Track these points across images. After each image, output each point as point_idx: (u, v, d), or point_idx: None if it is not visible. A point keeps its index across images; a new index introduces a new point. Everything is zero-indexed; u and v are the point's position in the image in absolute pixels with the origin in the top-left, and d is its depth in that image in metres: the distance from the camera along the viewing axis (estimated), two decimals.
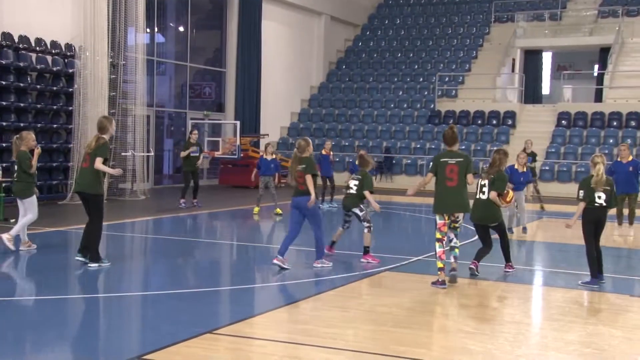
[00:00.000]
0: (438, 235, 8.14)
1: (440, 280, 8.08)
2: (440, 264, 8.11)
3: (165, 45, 23.54)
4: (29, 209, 9.66)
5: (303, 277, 8.54)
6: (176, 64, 23.50)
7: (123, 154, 17.44)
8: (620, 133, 23.26)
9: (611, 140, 23.15)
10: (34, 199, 9.69)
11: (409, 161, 24.26)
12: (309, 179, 8.73)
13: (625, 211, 13.27)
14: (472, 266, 8.76)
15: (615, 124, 23.72)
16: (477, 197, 8.81)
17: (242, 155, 21.82)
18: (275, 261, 8.81)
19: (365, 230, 9.46)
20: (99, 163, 8.58)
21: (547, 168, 22.58)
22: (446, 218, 8.15)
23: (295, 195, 8.86)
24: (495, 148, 9.36)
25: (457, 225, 8.34)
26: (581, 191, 8.42)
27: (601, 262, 8.43)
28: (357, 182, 9.48)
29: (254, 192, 15.13)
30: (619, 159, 13.24)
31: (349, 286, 8.14)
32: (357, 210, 9.47)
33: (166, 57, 23.25)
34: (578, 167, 22.13)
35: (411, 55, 29.65)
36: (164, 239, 11.76)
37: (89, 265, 8.68)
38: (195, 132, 16.61)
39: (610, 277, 8.89)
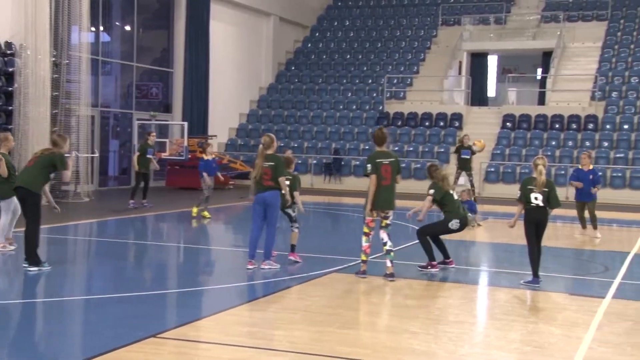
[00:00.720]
0: (365, 230, 8.58)
1: (362, 270, 8.61)
2: (363, 257, 8.59)
3: (110, 45, 23.12)
4: (5, 210, 9.56)
5: (250, 279, 8.51)
6: (122, 63, 23.12)
7: (66, 155, 17.04)
8: (562, 135, 23.90)
9: (553, 143, 23.76)
10: (13, 200, 9.49)
11: (357, 162, 24.40)
12: (282, 181, 8.83)
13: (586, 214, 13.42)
14: (453, 265, 9.29)
15: (557, 126, 24.37)
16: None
17: (189, 156, 21.59)
18: (249, 266, 8.84)
19: (296, 230, 9.57)
20: (67, 176, 8.93)
21: (492, 169, 23.04)
22: (374, 215, 8.51)
23: (260, 191, 8.79)
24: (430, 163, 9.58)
25: (388, 222, 8.61)
26: (519, 192, 8.67)
27: (539, 263, 8.60)
28: (287, 183, 9.47)
29: (202, 193, 14.98)
30: (580, 167, 13.46)
31: (295, 288, 8.15)
32: (289, 210, 9.54)
33: (111, 57, 22.84)
34: (522, 168, 22.63)
35: (360, 57, 29.85)
36: (109, 242, 11.56)
37: (29, 269, 8.46)
38: (154, 134, 16.49)
39: (552, 276, 9.13)
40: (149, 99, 24.49)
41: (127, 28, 23.38)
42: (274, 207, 8.80)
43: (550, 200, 8.53)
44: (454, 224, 9.05)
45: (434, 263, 9.14)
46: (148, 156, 15.75)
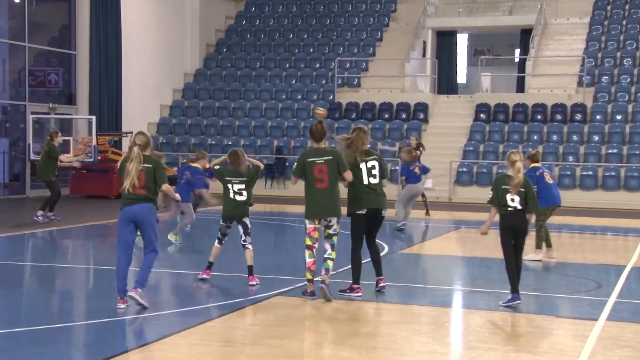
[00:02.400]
0: (308, 242, 8.67)
1: (309, 291, 8.70)
2: (309, 275, 8.68)
3: None
4: None
5: (175, 306, 8.42)
6: (11, 44, 22.63)
7: None
8: (545, 128, 24.41)
9: (535, 137, 24.23)
10: None
11: None
12: (168, 189, 8.39)
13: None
14: (382, 284, 9.07)
15: (539, 117, 24.87)
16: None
17: (99, 158, 21.28)
18: (120, 305, 8.17)
19: (250, 247, 9.48)
20: None
21: (464, 169, 23.36)
22: (316, 223, 8.64)
23: (130, 203, 8.17)
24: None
25: (331, 232, 8.68)
26: (491, 192, 8.80)
27: (519, 277, 8.72)
28: (242, 187, 9.43)
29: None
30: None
31: (231, 315, 8.11)
32: (247, 221, 9.48)
33: None
34: (499, 167, 23.00)
35: (305, 36, 29.91)
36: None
37: None
38: (60, 133, 16.23)
39: (535, 296, 9.30)
40: (46, 87, 24.05)
41: (16, 0, 22.90)
42: (148, 223, 8.17)
43: (528, 202, 8.68)
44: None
45: (355, 287, 8.93)
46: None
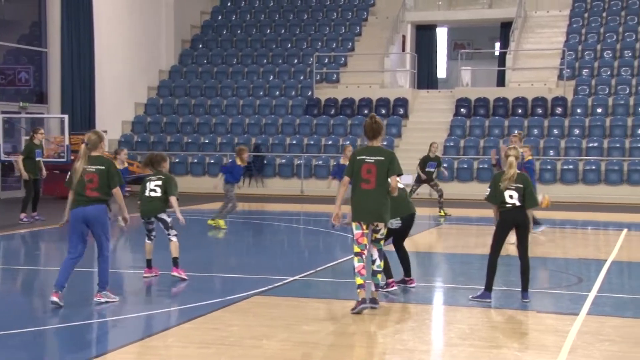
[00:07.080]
0: (356, 249, 8.20)
1: (360, 299, 8.18)
2: (359, 280, 8.17)
3: None
4: None
5: (149, 308, 8.43)
6: None
7: None
8: (525, 122, 24.59)
9: (516, 131, 24.34)
10: None
11: (283, 160, 24.46)
12: (117, 193, 8.43)
13: None
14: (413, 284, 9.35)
15: (520, 111, 25.05)
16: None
17: (72, 157, 21.17)
18: (54, 298, 8.26)
19: (174, 239, 9.77)
20: None
21: (444, 165, 23.43)
22: (364, 228, 8.17)
23: (83, 204, 8.31)
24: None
25: (378, 236, 8.28)
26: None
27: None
28: (159, 184, 9.73)
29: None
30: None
31: (209, 316, 8.12)
32: (164, 216, 9.76)
33: None
34: (480, 163, 23.16)
35: (283, 31, 29.92)
36: None
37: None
38: (42, 131, 16.33)
39: (516, 291, 9.40)
40: (16, 86, 23.93)
41: None
42: (98, 225, 8.39)
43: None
44: (392, 223, 8.82)
45: (390, 281, 9.18)
46: (37, 159, 15.66)
